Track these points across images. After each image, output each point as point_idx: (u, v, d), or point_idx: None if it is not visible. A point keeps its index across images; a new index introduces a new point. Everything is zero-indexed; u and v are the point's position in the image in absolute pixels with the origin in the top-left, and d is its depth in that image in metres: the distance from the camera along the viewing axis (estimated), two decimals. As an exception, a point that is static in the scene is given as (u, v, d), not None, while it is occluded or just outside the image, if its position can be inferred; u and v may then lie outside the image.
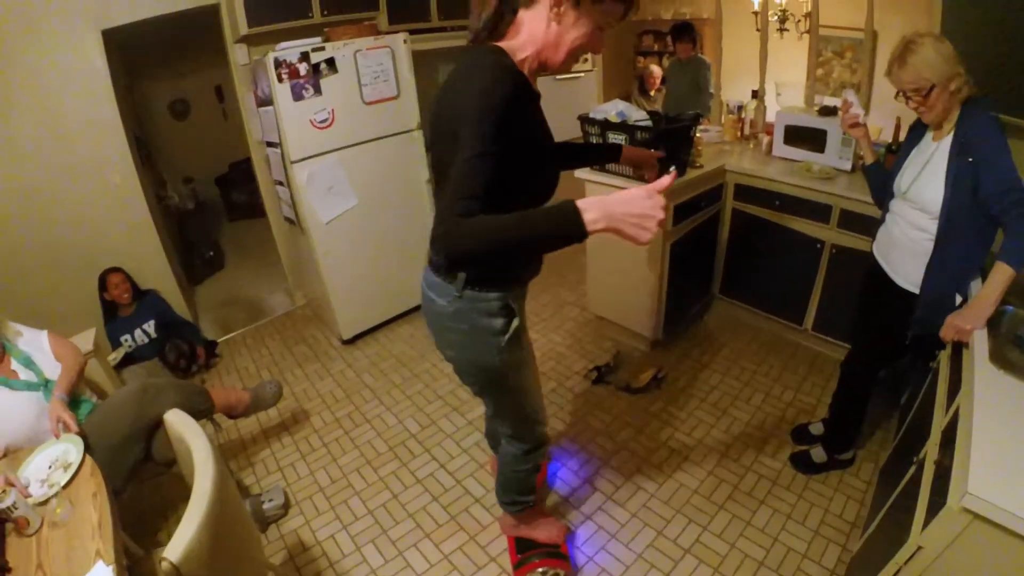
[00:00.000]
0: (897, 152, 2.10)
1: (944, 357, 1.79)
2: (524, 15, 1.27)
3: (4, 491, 1.43)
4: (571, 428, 2.73)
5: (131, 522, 1.90)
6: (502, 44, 1.27)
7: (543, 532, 2.10)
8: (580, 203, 1.07)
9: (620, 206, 1.07)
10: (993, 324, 1.61)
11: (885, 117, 3.37)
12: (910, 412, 2.10)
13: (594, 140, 2.79)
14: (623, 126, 2.66)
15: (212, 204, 6.24)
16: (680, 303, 3.13)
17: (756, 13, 4.36)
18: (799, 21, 4.98)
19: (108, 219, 3.39)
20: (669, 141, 2.66)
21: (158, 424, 1.94)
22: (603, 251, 3.16)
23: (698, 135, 2.94)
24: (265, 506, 2.32)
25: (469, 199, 1.11)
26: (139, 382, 2.12)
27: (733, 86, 3.89)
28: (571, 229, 1.07)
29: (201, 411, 2.21)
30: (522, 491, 1.98)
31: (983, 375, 1.41)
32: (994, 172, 1.64)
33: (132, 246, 3.48)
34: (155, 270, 3.59)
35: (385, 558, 2.14)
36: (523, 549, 2.06)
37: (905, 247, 1.94)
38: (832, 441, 2.41)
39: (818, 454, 2.42)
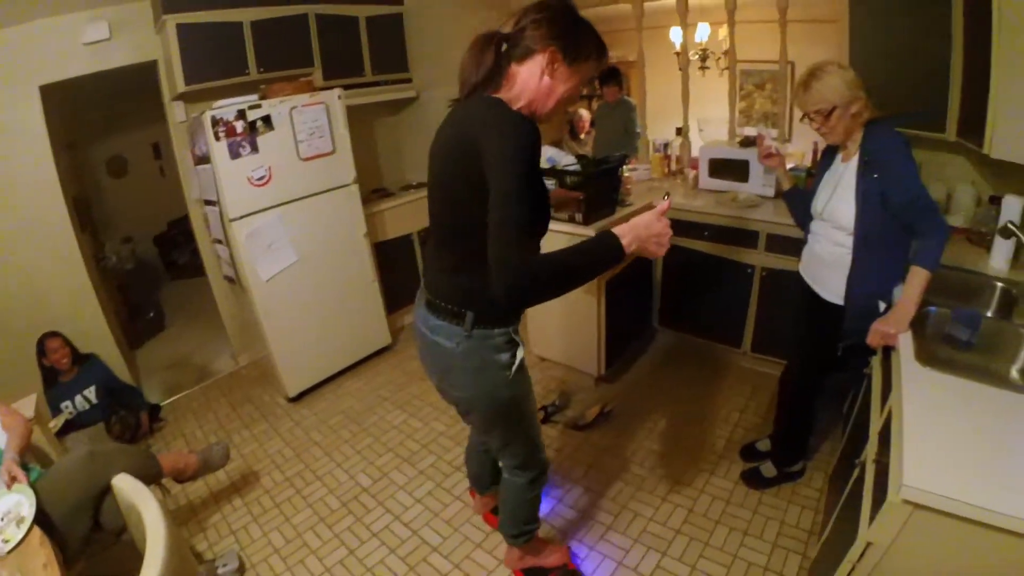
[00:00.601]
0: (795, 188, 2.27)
1: (876, 362, 1.89)
2: (517, 68, 1.38)
3: None
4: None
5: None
6: (499, 95, 1.38)
7: (551, 557, 2.15)
8: (615, 230, 1.28)
9: (644, 230, 1.29)
10: (919, 325, 1.71)
11: (805, 143, 3.58)
12: (851, 419, 2.20)
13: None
14: (553, 171, 2.76)
15: (151, 264, 6.10)
16: (621, 337, 3.21)
17: (678, 53, 4.59)
18: (719, 58, 5.27)
19: (47, 283, 3.32)
20: (598, 183, 2.78)
21: (106, 491, 1.89)
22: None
23: (626, 174, 3.07)
24: (220, 571, 2.26)
25: (529, 240, 1.21)
26: (86, 448, 2.04)
27: (659, 124, 4.07)
28: (615, 252, 1.27)
29: (150, 476, 2.15)
30: (529, 520, 2.02)
31: (911, 374, 1.50)
32: (900, 185, 1.76)
33: (71, 309, 3.39)
34: (95, 333, 3.50)
35: (345, 617, 2.09)
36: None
37: (828, 263, 2.05)
38: (780, 455, 2.49)
39: (767, 469, 2.50)
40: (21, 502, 1.72)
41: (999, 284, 2.05)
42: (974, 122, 2.02)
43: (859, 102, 1.83)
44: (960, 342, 1.79)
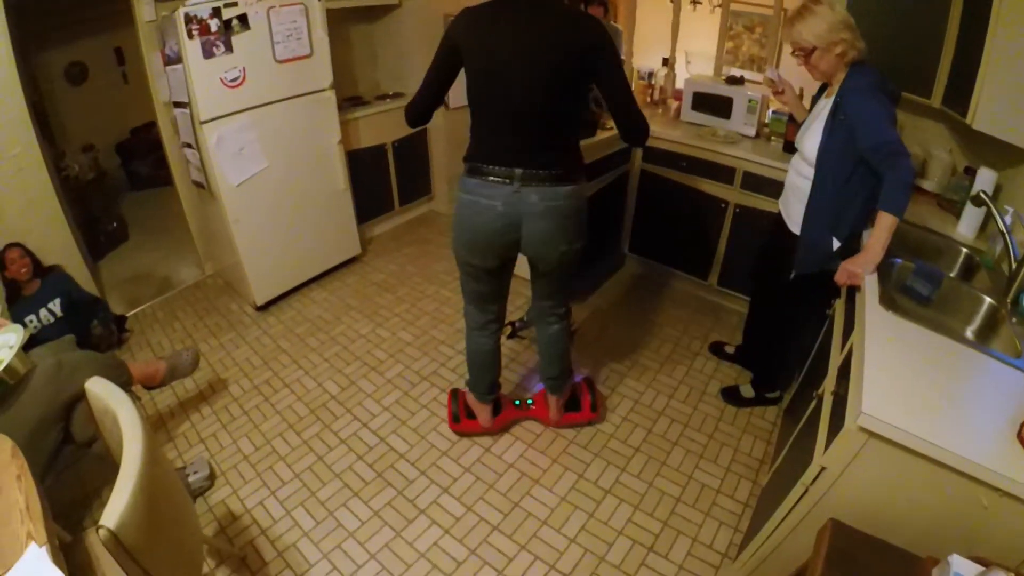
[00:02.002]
0: (800, 123, 2.30)
1: (839, 304, 1.97)
2: None
3: None
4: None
5: (53, 513, 1.84)
6: None
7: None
8: None
9: None
10: (883, 274, 1.77)
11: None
12: (809, 357, 2.29)
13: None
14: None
15: (113, 174, 5.85)
16: (590, 259, 3.22)
17: (669, -16, 4.49)
18: (711, -5, 5.17)
19: (6, 192, 3.14)
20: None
21: (76, 401, 1.87)
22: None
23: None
24: (190, 479, 2.27)
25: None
26: (53, 359, 1.99)
27: (645, 54, 4.01)
28: None
29: (119, 384, 2.10)
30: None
31: (873, 316, 1.56)
32: (867, 129, 1.80)
33: (32, 221, 3.24)
34: (58, 245, 3.36)
35: (316, 520, 2.15)
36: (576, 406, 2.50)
37: (795, 194, 2.14)
38: (759, 380, 2.64)
39: (747, 390, 2.66)
40: (9, 336, 1.85)
41: (964, 249, 2.12)
42: (960, 91, 2.04)
43: (843, 44, 1.86)
44: (920, 296, 1.86)
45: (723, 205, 3.07)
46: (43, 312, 3.05)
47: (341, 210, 3.69)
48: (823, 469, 1.35)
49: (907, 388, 1.30)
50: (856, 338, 1.56)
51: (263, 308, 3.45)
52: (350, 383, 2.82)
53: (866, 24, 2.49)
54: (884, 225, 1.75)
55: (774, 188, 2.72)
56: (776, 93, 2.41)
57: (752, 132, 3.14)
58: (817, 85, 2.17)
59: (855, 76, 1.90)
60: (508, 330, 3.04)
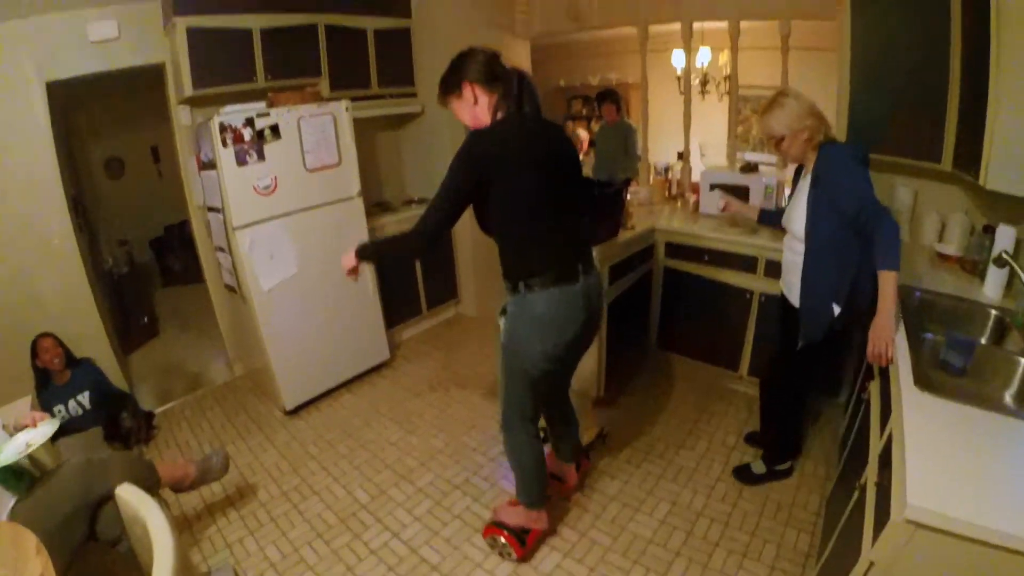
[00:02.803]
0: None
1: (874, 387, 1.94)
2: None
3: None
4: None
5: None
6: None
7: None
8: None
9: None
10: (915, 351, 1.75)
11: None
12: (848, 444, 2.23)
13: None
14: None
15: (146, 268, 6.06)
16: (619, 360, 3.21)
17: (679, 77, 4.66)
18: (719, 83, 5.36)
19: (42, 283, 3.28)
20: (602, 206, 2.80)
21: (104, 500, 1.87)
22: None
23: (628, 197, 3.09)
24: None
25: None
26: (83, 456, 2.01)
27: (659, 148, 4.12)
28: None
29: (148, 486, 2.10)
30: None
31: (910, 398, 1.53)
32: (848, 196, 1.94)
33: (66, 311, 3.35)
34: (90, 336, 3.46)
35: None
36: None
37: (791, 270, 2.26)
38: (769, 454, 2.63)
39: (758, 466, 2.63)
40: (46, 431, 1.92)
41: (992, 311, 2.11)
42: (969, 153, 2.08)
43: (808, 130, 2.05)
44: (955, 368, 1.83)
45: (748, 295, 3.06)
46: (72, 403, 3.09)
47: (370, 315, 3.73)
48: (872, 564, 1.29)
49: (951, 471, 1.26)
50: (894, 424, 1.52)
51: (292, 412, 3.44)
52: (380, 492, 2.77)
53: (870, 97, 2.66)
54: (889, 282, 1.85)
55: None
56: (723, 210, 2.76)
57: None
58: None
59: (826, 152, 2.06)
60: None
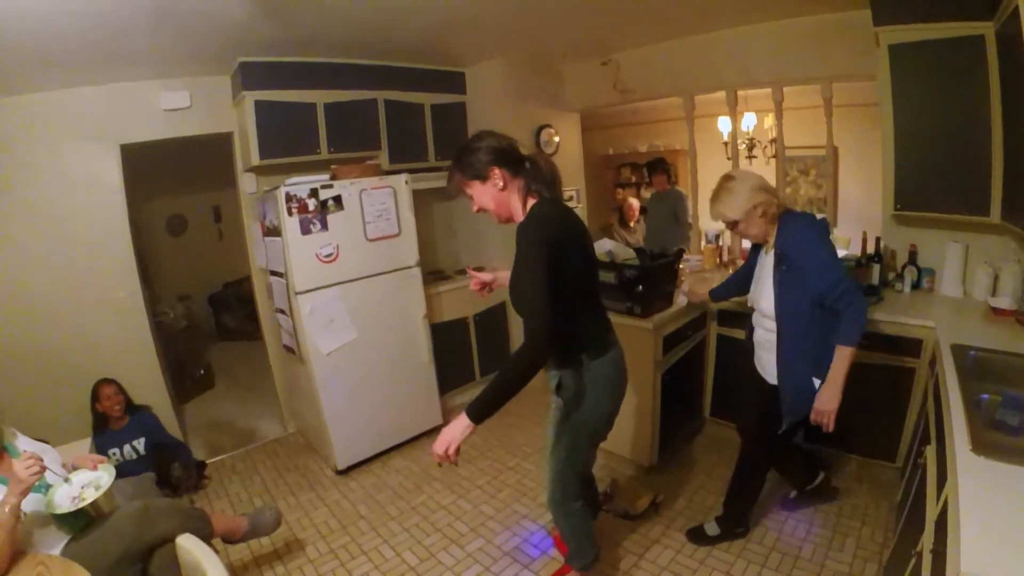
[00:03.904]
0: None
1: (930, 452, 1.89)
2: None
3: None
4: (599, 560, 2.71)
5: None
6: None
7: None
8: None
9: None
10: (971, 414, 1.71)
11: (851, 228, 3.63)
12: (905, 510, 2.17)
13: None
14: (612, 264, 2.84)
15: (203, 323, 6.29)
16: (672, 428, 3.20)
17: (726, 143, 4.74)
18: (765, 147, 5.42)
19: (107, 331, 3.46)
20: (656, 276, 2.85)
21: (157, 545, 1.96)
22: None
23: (680, 266, 3.13)
24: None
25: None
26: (140, 503, 2.10)
27: (704, 213, 4.16)
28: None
29: (202, 536, 2.17)
30: None
31: (965, 463, 1.49)
32: (815, 274, 1.97)
33: (128, 360, 3.52)
34: (148, 385, 3.60)
35: None
36: None
37: (765, 348, 2.24)
38: (727, 515, 2.61)
39: (712, 528, 2.63)
40: (102, 476, 1.99)
41: None
42: (1018, 203, 2.10)
43: (760, 206, 2.06)
44: (1012, 428, 1.78)
45: None
46: (127, 448, 3.21)
47: (424, 381, 3.80)
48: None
49: (1008, 537, 1.21)
50: (950, 490, 1.47)
51: (344, 472, 3.49)
52: (429, 555, 2.77)
53: (915, 157, 2.71)
54: (843, 357, 1.95)
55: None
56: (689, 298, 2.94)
57: None
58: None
59: (786, 226, 2.09)
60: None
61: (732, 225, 2.14)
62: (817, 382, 2.08)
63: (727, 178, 2.15)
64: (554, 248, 1.73)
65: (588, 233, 1.95)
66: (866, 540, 2.56)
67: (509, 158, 1.84)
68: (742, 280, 2.52)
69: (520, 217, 1.87)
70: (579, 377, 1.93)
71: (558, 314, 1.70)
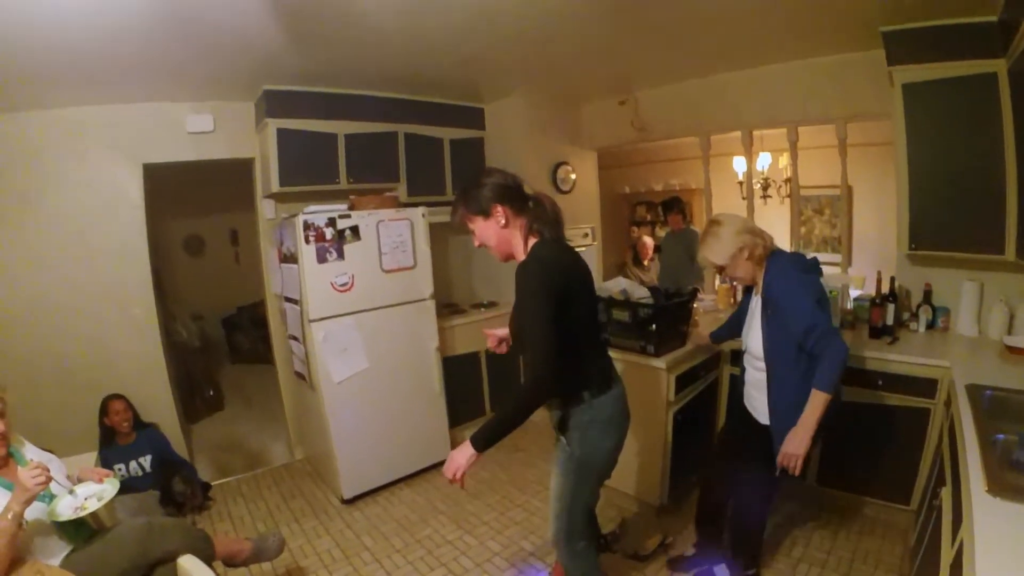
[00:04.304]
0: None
1: (946, 494, 1.87)
2: None
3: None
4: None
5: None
6: None
7: None
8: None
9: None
10: (987, 454, 1.68)
11: (865, 267, 3.62)
12: (920, 553, 2.12)
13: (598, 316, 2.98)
14: (626, 303, 2.85)
15: (216, 344, 6.33)
16: (684, 468, 3.15)
17: (740, 182, 4.77)
18: (780, 186, 5.45)
19: (120, 346, 3.51)
20: (670, 315, 2.85)
21: (159, 563, 1.96)
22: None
23: (694, 306, 3.13)
24: None
25: None
26: (145, 520, 2.11)
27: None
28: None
29: (202, 557, 2.16)
30: None
31: (981, 505, 1.46)
32: (795, 319, 1.97)
33: (139, 376, 3.55)
34: (158, 402, 3.63)
35: None
36: None
37: (755, 387, 2.24)
38: (737, 560, 2.53)
39: (721, 571, 2.55)
40: (106, 488, 2.00)
41: None
42: None
43: (745, 248, 2.08)
44: None
45: None
46: (133, 464, 3.23)
47: (434, 413, 3.78)
48: None
49: None
50: (965, 532, 1.44)
51: (349, 502, 3.47)
52: (433, 590, 2.74)
53: (929, 195, 2.72)
54: (816, 402, 1.94)
55: (866, 377, 2.76)
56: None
57: (837, 322, 3.12)
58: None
59: (772, 268, 2.09)
60: (600, 543, 2.92)
61: (720, 269, 2.17)
62: None
63: (713, 223, 2.18)
64: (555, 288, 1.76)
65: (588, 273, 1.95)
66: (878, 577, 2.50)
67: (513, 196, 1.87)
68: (738, 321, 2.53)
69: (521, 255, 1.88)
70: (582, 415, 1.94)
71: (560, 352, 1.73)
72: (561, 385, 1.85)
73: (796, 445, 1.99)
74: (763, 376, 2.17)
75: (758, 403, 2.25)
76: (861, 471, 2.91)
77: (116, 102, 3.33)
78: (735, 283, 2.32)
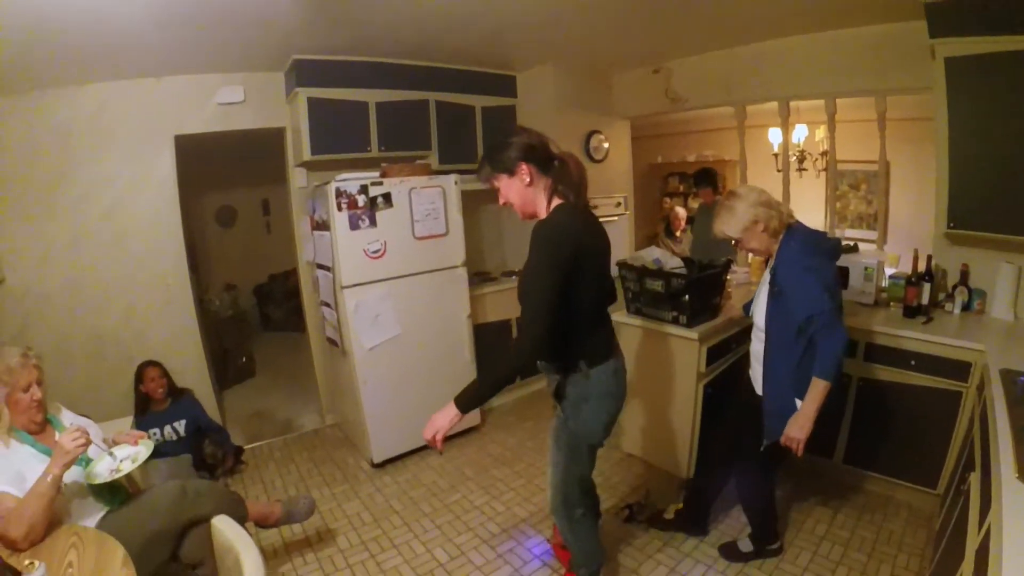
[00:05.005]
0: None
1: (974, 479, 1.84)
2: None
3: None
4: (604, 566, 2.69)
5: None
6: None
7: None
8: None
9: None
10: (1018, 440, 1.64)
11: (903, 246, 3.53)
12: (944, 538, 2.09)
13: (630, 285, 2.95)
14: (660, 273, 2.82)
15: (248, 313, 6.43)
16: (711, 441, 3.14)
17: (776, 154, 4.66)
18: (816, 160, 5.31)
19: (155, 316, 3.59)
20: (702, 287, 2.82)
21: (192, 525, 2.01)
22: (638, 390, 3.22)
23: (727, 278, 3.09)
24: None
25: None
26: (179, 483, 2.15)
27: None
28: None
29: (235, 519, 2.22)
30: None
31: (1011, 491, 1.44)
32: (799, 302, 1.96)
33: (174, 345, 3.64)
34: (191, 370, 3.72)
35: None
36: None
37: (756, 358, 2.24)
38: (758, 534, 2.56)
39: (745, 544, 2.57)
40: (141, 451, 2.02)
41: None
42: None
43: (760, 221, 2.04)
44: None
45: (845, 380, 2.93)
46: (168, 429, 3.30)
47: (465, 380, 3.69)
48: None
49: None
50: (993, 519, 1.42)
51: (379, 466, 3.53)
52: (460, 553, 2.78)
53: (970, 174, 2.65)
54: (817, 390, 1.95)
55: (898, 357, 2.72)
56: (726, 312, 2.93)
57: (870, 300, 3.08)
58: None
59: (785, 245, 2.06)
60: (625, 513, 2.95)
61: (737, 242, 2.14)
62: (799, 403, 2.05)
63: (730, 195, 2.15)
64: (565, 256, 1.75)
65: (607, 243, 1.94)
66: (901, 569, 2.48)
67: (539, 156, 1.85)
68: None
69: (543, 215, 1.88)
70: (578, 384, 1.95)
71: (561, 320, 1.76)
72: (559, 352, 1.89)
73: (797, 430, 2.01)
74: (761, 347, 2.18)
75: (758, 374, 2.24)
76: (888, 452, 2.86)
77: (147, 75, 3.36)
78: (755, 255, 2.29)
